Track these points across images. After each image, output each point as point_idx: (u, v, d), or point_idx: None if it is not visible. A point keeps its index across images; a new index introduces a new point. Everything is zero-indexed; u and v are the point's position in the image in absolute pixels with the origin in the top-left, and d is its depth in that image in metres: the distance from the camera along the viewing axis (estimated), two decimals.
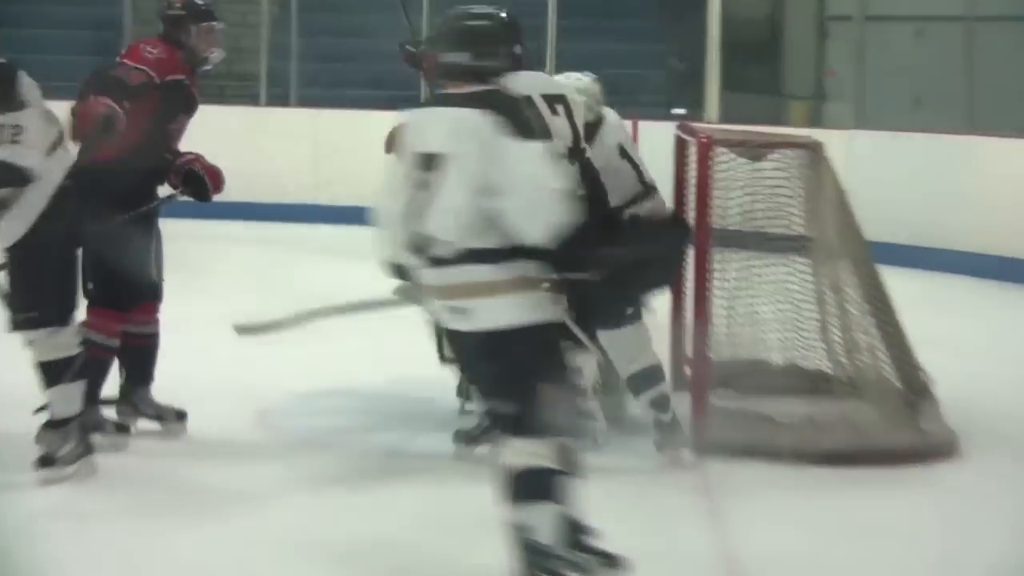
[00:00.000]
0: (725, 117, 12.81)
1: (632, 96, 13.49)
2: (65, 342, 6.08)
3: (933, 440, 6.63)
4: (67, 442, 6.13)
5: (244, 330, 6.60)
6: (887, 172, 10.64)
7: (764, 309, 7.08)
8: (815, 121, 13.67)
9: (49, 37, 16.12)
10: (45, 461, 6.11)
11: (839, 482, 6.12)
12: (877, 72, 12.66)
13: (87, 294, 6.55)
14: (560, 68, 13.29)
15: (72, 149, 6.23)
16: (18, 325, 6.04)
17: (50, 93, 6.51)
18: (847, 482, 6.12)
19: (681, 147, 7.18)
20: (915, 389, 6.91)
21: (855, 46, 12.63)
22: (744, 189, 6.98)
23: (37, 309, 6.01)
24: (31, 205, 5.97)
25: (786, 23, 16.53)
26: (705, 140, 6.68)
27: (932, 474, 6.34)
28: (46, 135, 6.10)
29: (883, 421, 6.63)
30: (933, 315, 7.96)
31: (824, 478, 6.15)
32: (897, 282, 7.23)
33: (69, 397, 6.15)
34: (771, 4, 16.72)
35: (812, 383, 6.98)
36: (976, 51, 12.21)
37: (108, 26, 15.64)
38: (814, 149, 6.94)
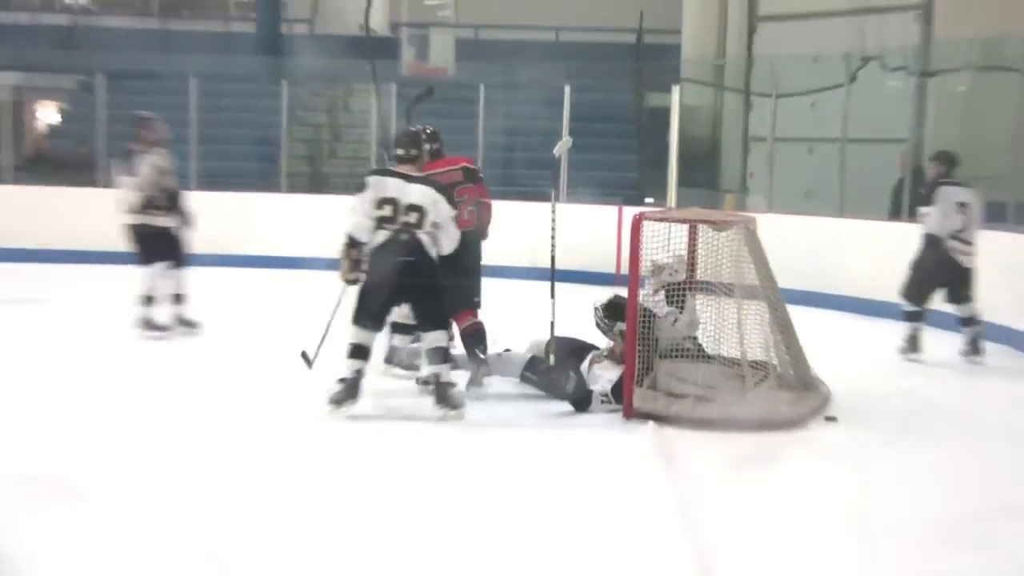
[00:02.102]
0: (680, 204, 12.86)
1: (617, 189, 13.67)
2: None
3: (817, 413, 6.70)
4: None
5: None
6: (788, 241, 10.73)
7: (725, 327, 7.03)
8: (740, 207, 13.71)
9: (227, 151, 16.37)
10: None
11: (752, 443, 6.11)
12: (782, 175, 12.71)
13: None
14: (570, 169, 13.59)
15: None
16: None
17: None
18: (758, 444, 6.11)
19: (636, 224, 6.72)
20: (806, 382, 7.03)
21: (767, 157, 12.65)
22: (711, 251, 7.02)
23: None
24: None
25: (722, 141, 16.59)
26: (637, 216, 6.63)
27: (813, 436, 6.40)
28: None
29: (784, 403, 6.63)
30: (819, 335, 8.00)
31: (739, 440, 6.14)
32: (795, 313, 7.26)
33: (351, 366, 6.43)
34: (712, 127, 16.81)
35: (738, 375, 6.79)
36: (848, 162, 12.25)
37: (268, 142, 15.92)
38: (748, 224, 7.02)
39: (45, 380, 7.28)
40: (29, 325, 9.26)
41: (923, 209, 8.77)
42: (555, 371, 6.83)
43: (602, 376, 6.84)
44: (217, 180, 14.58)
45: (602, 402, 6.70)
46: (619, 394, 6.63)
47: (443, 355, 6.51)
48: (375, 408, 6.63)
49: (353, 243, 6.47)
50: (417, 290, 6.44)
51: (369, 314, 6.40)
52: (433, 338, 6.49)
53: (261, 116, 16.38)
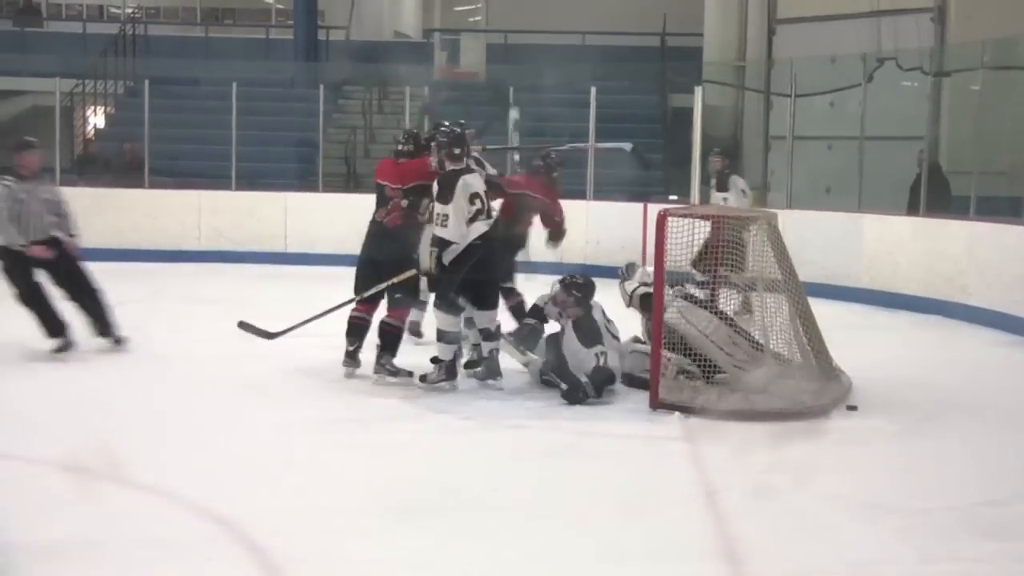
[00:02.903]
0: (703, 202, 12.79)
1: (642, 187, 13.58)
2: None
3: (839, 403, 6.62)
4: (439, 372, 6.87)
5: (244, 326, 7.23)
6: (809, 236, 10.67)
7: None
8: (761, 204, 13.65)
9: (266, 153, 16.37)
10: (422, 378, 6.89)
11: (775, 433, 5.98)
12: (802, 173, 12.66)
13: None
14: (597, 167, 13.52)
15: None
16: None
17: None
18: (782, 434, 5.99)
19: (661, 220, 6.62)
20: (828, 372, 6.96)
21: (788, 155, 12.57)
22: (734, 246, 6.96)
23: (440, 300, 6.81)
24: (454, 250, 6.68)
25: (744, 140, 16.60)
26: (662, 213, 6.57)
27: (836, 425, 6.30)
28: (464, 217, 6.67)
29: (807, 393, 6.55)
30: (838, 327, 7.92)
31: (763, 429, 6.03)
32: (816, 306, 7.22)
33: (445, 349, 6.86)
34: (734, 127, 16.80)
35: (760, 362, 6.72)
36: (866, 158, 12.16)
37: (305, 144, 15.91)
38: (769, 219, 6.96)
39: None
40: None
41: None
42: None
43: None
44: (256, 180, 14.63)
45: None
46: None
47: (491, 334, 6.96)
48: (399, 402, 6.65)
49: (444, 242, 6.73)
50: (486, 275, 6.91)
51: (452, 299, 6.83)
52: (487, 317, 6.95)
53: (299, 119, 16.41)
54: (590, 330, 6.83)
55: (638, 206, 11.97)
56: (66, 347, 7.63)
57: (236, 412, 6.37)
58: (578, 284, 6.97)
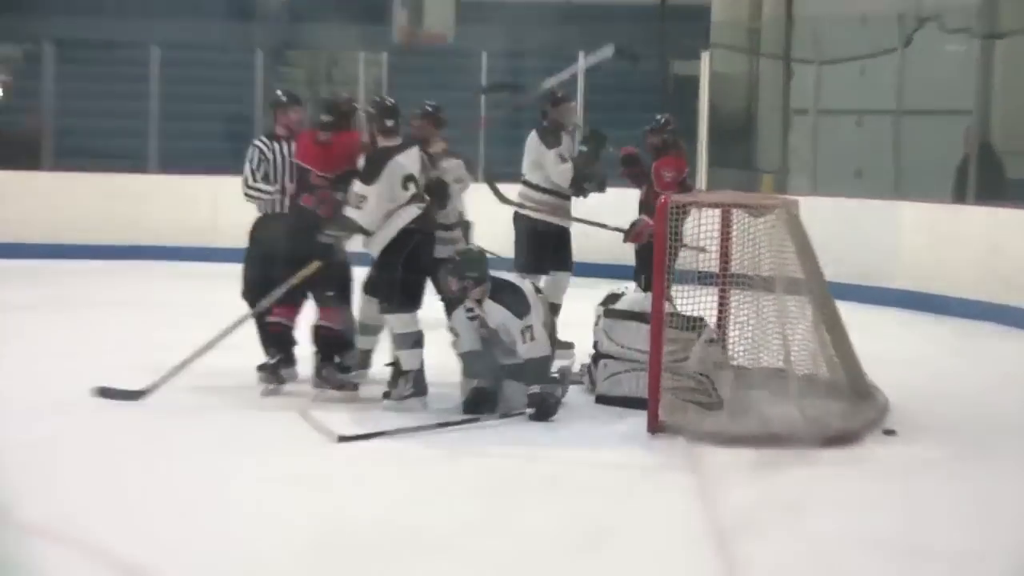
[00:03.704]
0: (711, 186, 12.79)
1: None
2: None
3: (873, 426, 6.60)
4: (405, 384, 6.80)
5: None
6: (836, 227, 10.64)
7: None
8: (780, 189, 13.62)
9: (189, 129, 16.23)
10: (386, 394, 6.88)
11: (797, 462, 6.01)
12: (827, 152, 12.66)
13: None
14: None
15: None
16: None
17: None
18: (805, 463, 6.00)
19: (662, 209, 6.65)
20: (860, 390, 6.95)
21: (810, 132, 12.57)
22: (747, 240, 6.98)
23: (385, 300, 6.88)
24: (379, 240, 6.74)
25: (759, 114, 16.54)
26: (663, 201, 6.61)
27: (869, 453, 6.28)
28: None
29: (835, 415, 6.55)
30: (872, 336, 7.92)
31: (783, 458, 6.04)
32: (845, 310, 7.24)
33: (410, 357, 6.79)
34: (747, 98, 16.75)
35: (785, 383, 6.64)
36: (903, 136, 12.17)
37: (240, 119, 15.71)
38: (789, 208, 6.92)
39: None
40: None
41: None
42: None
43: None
44: (181, 162, 14.51)
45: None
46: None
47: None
48: (350, 425, 6.56)
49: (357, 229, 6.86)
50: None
51: (399, 295, 6.88)
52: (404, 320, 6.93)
53: (232, 89, 16.26)
54: (513, 299, 6.82)
55: (634, 192, 11.92)
56: None
57: (147, 440, 6.26)
58: (465, 263, 6.89)
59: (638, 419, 6.52)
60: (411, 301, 6.89)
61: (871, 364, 7.13)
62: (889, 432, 6.54)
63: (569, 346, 7.86)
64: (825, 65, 12.81)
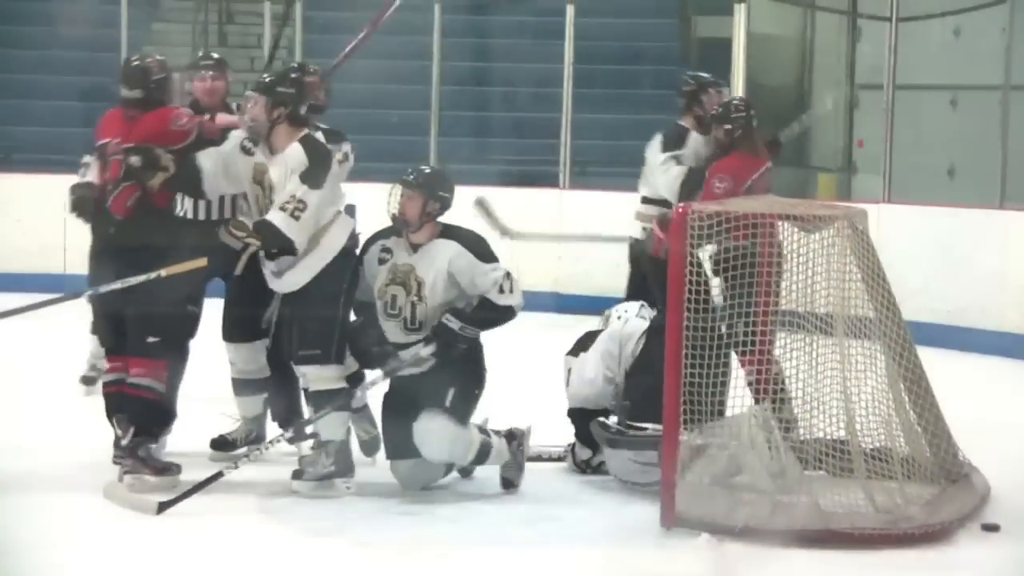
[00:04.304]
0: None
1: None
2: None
3: (969, 519, 6.63)
4: (325, 459, 6.89)
5: None
6: (920, 247, 10.73)
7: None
8: (843, 194, 13.71)
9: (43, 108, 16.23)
10: (297, 473, 6.95)
11: (863, 566, 6.09)
12: (908, 143, 12.71)
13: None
14: (575, 137, 13.58)
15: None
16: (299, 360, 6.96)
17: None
18: (874, 568, 6.09)
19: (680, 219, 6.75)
20: (950, 470, 7.01)
21: (885, 115, 12.68)
22: (798, 262, 7.00)
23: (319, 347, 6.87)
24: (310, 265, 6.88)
25: (814, 92, 16.65)
26: (681, 208, 6.74)
27: (962, 555, 6.29)
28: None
29: (916, 502, 6.56)
30: (969, 397, 7.97)
31: (842, 561, 6.12)
32: (930, 360, 7.27)
33: (334, 422, 6.90)
34: (799, 71, 16.81)
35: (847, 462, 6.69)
36: (1013, 121, 12.31)
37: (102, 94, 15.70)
38: (855, 220, 6.99)
39: None
40: None
41: None
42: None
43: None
44: (14, 157, 14.57)
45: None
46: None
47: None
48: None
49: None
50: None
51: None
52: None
53: (92, 55, 16.31)
54: (474, 241, 7.04)
55: (635, 196, 12.02)
56: None
57: None
58: (438, 178, 7.10)
59: (648, 508, 6.60)
60: (344, 349, 7.03)
61: (967, 434, 7.19)
62: (990, 528, 6.60)
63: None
64: (905, 22, 12.86)
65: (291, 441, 7.08)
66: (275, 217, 6.78)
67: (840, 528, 6.32)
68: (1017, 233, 11.39)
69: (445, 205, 6.95)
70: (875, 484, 6.60)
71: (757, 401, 7.08)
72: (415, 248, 6.94)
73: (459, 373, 6.96)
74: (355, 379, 7.19)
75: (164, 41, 17.30)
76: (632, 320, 7.52)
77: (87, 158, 7.33)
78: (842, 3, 16.28)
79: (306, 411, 7.26)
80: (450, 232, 6.98)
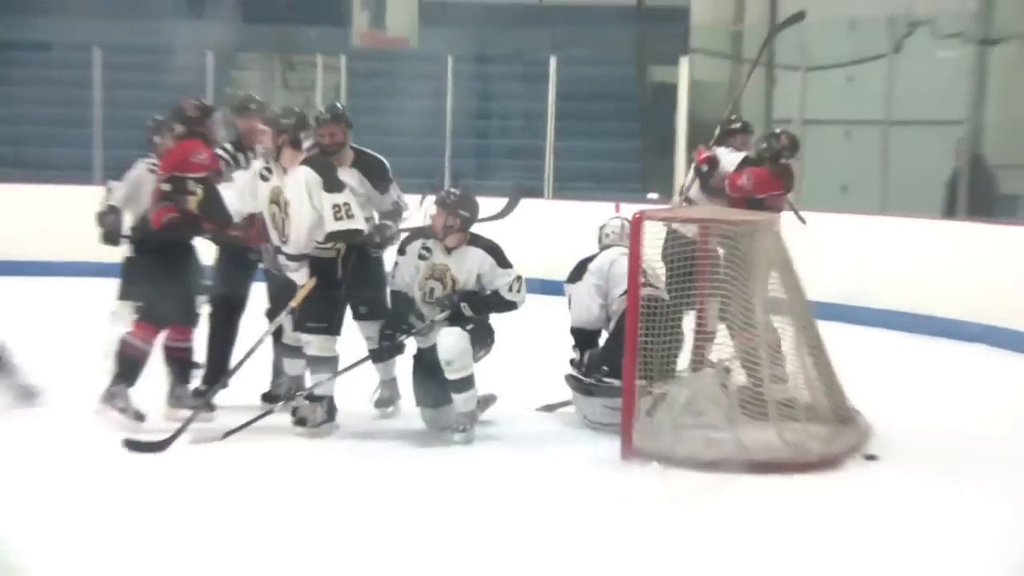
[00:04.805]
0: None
1: (615, 183, 13.71)
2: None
3: (854, 451, 6.76)
4: (321, 410, 7.03)
5: None
6: (820, 245, 10.75)
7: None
8: None
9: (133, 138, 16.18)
10: (300, 422, 7.05)
11: (776, 488, 6.19)
12: (813, 165, 12.72)
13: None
14: (557, 159, 13.63)
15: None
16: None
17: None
18: (784, 489, 6.17)
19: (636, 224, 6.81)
20: (841, 414, 7.07)
21: None
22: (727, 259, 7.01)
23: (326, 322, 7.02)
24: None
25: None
26: (637, 215, 6.74)
27: (849, 477, 6.44)
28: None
29: (815, 439, 6.65)
30: (856, 359, 7.98)
31: (760, 484, 6.22)
32: (828, 331, 7.31)
33: (328, 383, 7.04)
34: (729, 107, 16.73)
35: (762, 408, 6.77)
36: (892, 149, 12.27)
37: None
38: (771, 225, 7.09)
39: None
40: None
41: None
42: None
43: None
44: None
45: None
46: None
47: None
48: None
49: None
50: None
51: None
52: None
53: (180, 94, 16.24)
54: (495, 251, 7.10)
55: (608, 206, 12.06)
56: None
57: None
58: (463, 198, 7.08)
59: (611, 445, 6.69)
60: (341, 323, 7.18)
61: (854, 387, 7.25)
62: (870, 457, 6.73)
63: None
64: (811, 72, 12.87)
65: (308, 399, 7.09)
66: (339, 227, 6.85)
67: (757, 458, 6.43)
68: (896, 234, 11.38)
69: (465, 221, 7.00)
70: (784, 425, 6.68)
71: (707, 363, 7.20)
72: (448, 251, 7.03)
73: (475, 326, 7.04)
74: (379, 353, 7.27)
75: (240, 85, 17.34)
76: (619, 260, 7.40)
77: (111, 183, 7.37)
78: (763, 57, 16.29)
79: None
80: (477, 241, 7.06)
